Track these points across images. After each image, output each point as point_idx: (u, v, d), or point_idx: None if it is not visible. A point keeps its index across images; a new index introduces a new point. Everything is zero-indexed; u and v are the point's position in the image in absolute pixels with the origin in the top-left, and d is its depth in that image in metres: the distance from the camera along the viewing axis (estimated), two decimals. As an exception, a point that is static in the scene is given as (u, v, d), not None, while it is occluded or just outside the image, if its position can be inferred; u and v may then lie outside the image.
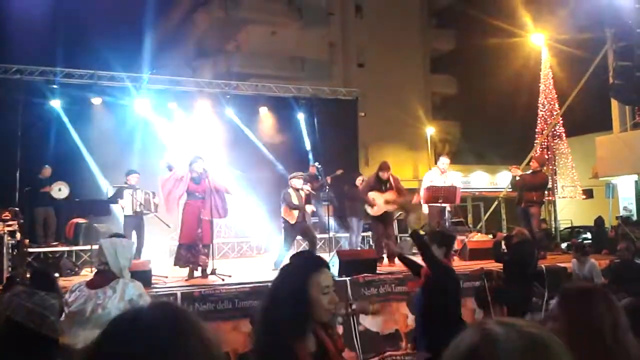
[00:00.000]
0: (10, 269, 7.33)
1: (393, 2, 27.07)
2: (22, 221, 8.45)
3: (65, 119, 11.31)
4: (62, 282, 6.56)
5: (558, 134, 17.71)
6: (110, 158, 11.22)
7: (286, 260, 2.25)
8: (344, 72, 27.20)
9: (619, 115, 16.27)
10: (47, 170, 10.47)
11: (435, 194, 8.86)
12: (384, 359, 6.65)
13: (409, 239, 9.06)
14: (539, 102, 17.69)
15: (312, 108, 13.93)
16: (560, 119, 17.44)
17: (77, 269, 8.52)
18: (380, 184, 8.62)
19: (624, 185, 17.02)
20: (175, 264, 7.48)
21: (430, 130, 26.79)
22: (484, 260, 8.01)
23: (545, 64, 17.64)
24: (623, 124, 16.20)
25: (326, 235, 10.29)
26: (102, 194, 10.30)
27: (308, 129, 13.74)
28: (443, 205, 9.03)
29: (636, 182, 16.73)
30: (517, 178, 9.67)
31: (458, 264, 8.16)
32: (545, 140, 17.34)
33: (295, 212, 8.21)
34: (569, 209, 19.33)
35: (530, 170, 9.82)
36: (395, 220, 9.33)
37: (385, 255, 8.67)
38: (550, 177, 14.74)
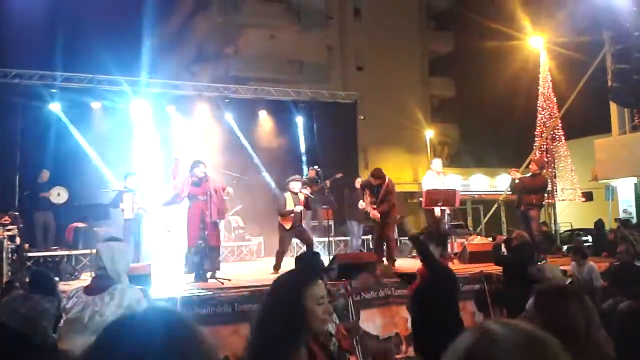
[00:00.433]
0: (9, 273, 7.32)
1: (391, 5, 27.11)
2: (21, 225, 8.46)
3: (64, 123, 11.31)
4: (62, 286, 6.55)
5: (557, 136, 17.73)
6: (109, 162, 11.25)
7: (284, 265, 2.27)
8: (342, 76, 27.23)
9: (617, 117, 16.31)
10: (46, 174, 10.47)
11: (435, 197, 8.87)
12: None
13: (408, 242, 9.07)
14: (538, 105, 17.72)
15: (311, 111, 13.94)
16: (559, 121, 17.46)
17: (76, 273, 8.51)
18: (372, 187, 8.72)
19: (624, 187, 17.04)
20: (187, 272, 7.53)
21: (430, 133, 26.81)
22: (483, 263, 8.01)
23: (543, 67, 17.67)
24: (622, 126, 16.24)
25: (326, 239, 10.29)
26: (101, 198, 10.29)
27: (307, 133, 13.75)
28: (443, 208, 9.04)
29: (635, 184, 16.75)
30: (517, 181, 9.67)
31: (458, 267, 8.17)
32: (545, 143, 17.35)
33: (291, 219, 8.23)
34: (568, 211, 19.32)
35: (530, 173, 9.82)
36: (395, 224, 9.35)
37: (384, 259, 8.67)
38: (549, 180, 14.74)
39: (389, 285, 6.98)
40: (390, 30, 26.87)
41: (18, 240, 7.98)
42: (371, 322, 6.58)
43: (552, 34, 17.22)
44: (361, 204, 8.77)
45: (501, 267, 7.07)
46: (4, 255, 7.29)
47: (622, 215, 16.16)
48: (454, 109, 29.73)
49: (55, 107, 11.31)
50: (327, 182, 9.96)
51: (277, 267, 8.19)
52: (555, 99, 17.50)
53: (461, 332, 1.01)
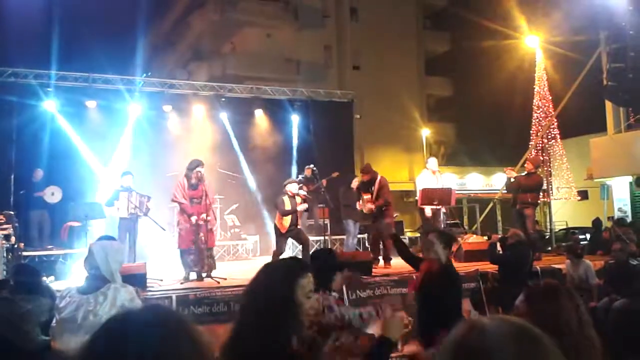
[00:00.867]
0: (5, 272, 7.29)
1: (388, 5, 27.12)
2: (16, 225, 8.43)
3: (60, 122, 11.28)
4: (57, 285, 6.55)
5: (553, 135, 17.79)
6: (104, 161, 11.23)
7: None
8: (339, 75, 27.24)
9: (613, 116, 16.36)
10: (39, 173, 10.43)
11: (431, 196, 8.88)
12: None
13: (405, 240, 9.10)
14: (534, 104, 17.76)
15: (308, 110, 13.93)
16: (555, 120, 17.50)
17: (71, 272, 8.49)
18: (366, 186, 8.83)
19: (619, 186, 17.10)
20: (186, 271, 7.54)
21: (426, 132, 26.85)
22: (479, 261, 8.02)
23: (539, 66, 17.73)
24: (617, 125, 16.30)
25: (322, 238, 10.30)
26: (96, 196, 10.25)
27: (303, 132, 13.74)
28: (438, 207, 9.05)
29: (630, 183, 16.81)
30: (512, 180, 9.70)
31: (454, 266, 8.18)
32: (540, 142, 17.39)
33: (287, 221, 8.22)
34: (564, 210, 19.39)
35: (525, 172, 9.84)
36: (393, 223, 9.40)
37: (381, 257, 8.70)
38: (545, 179, 14.79)
39: (384, 284, 6.99)
40: (386, 30, 26.90)
41: (13, 239, 7.96)
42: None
43: (548, 33, 17.27)
44: (359, 205, 8.86)
45: (497, 266, 7.10)
46: (-1, 254, 7.28)
47: (617, 214, 16.21)
48: (450, 108, 29.78)
49: (50, 106, 11.27)
50: (323, 181, 9.96)
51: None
52: (551, 97, 17.55)
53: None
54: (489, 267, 7.35)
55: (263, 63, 24.72)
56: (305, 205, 8.36)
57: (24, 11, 16.11)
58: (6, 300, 2.35)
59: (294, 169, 13.04)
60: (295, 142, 13.63)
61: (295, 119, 13.77)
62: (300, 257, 9.05)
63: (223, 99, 13.16)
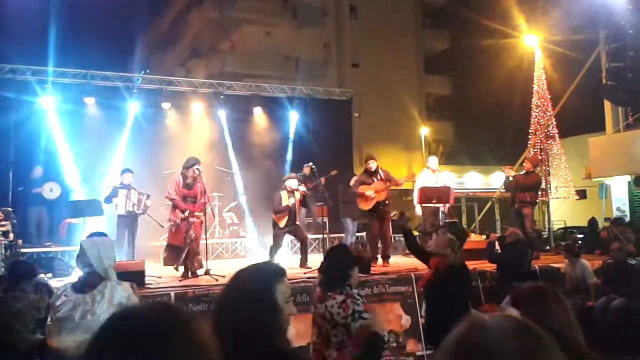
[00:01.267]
0: (3, 269, 7.28)
1: (387, 3, 27.11)
2: (15, 221, 8.41)
3: (58, 119, 11.25)
4: (55, 282, 6.54)
5: (551, 134, 17.76)
6: (102, 158, 11.20)
7: (277, 261, 2.22)
8: (338, 73, 27.23)
9: (611, 116, 16.36)
10: (39, 170, 10.42)
11: (429, 194, 8.88)
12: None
13: (403, 239, 9.07)
14: (533, 102, 17.75)
15: (307, 108, 13.92)
16: (554, 119, 17.50)
17: (69, 269, 8.48)
18: (369, 177, 8.67)
19: (617, 185, 17.11)
20: (165, 264, 7.56)
21: (425, 131, 26.85)
22: (477, 260, 8.01)
23: (538, 65, 17.70)
24: (616, 124, 16.30)
25: (320, 236, 10.29)
26: (95, 193, 10.23)
27: (302, 130, 13.73)
28: (437, 205, 9.05)
29: (629, 182, 16.83)
30: (511, 179, 9.71)
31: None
32: (539, 141, 17.39)
33: (284, 217, 8.22)
34: (562, 209, 19.39)
35: (524, 171, 9.85)
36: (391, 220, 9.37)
37: (379, 256, 8.69)
38: (543, 178, 14.79)
39: (382, 283, 6.99)
40: (386, 28, 26.88)
41: (11, 236, 7.94)
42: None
43: (547, 32, 17.25)
44: (368, 193, 8.60)
45: (495, 265, 7.10)
46: (-2, 251, 7.27)
47: (615, 213, 16.22)
48: (449, 107, 29.80)
49: (48, 103, 11.24)
50: (322, 179, 9.96)
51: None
52: (549, 96, 17.54)
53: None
54: (488, 266, 7.36)
55: (262, 61, 24.70)
56: (294, 200, 8.33)
57: (22, 7, 16.07)
58: (1, 300, 2.33)
59: (288, 167, 12.97)
60: (293, 139, 13.62)
61: (294, 117, 13.76)
62: (298, 254, 9.05)
63: (222, 97, 13.15)
